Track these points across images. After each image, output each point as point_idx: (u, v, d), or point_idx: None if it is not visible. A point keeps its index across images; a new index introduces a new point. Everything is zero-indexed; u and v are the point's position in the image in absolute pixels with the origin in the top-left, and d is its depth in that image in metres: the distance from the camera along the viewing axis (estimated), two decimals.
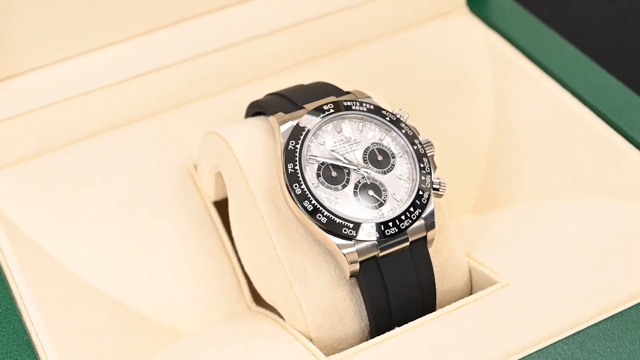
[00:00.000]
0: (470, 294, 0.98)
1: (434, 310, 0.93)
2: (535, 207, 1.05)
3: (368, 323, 0.92)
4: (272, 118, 0.94)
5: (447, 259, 0.97)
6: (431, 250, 0.95)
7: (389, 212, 0.91)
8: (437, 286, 0.95)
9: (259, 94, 1.03)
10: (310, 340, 0.91)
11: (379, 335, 0.91)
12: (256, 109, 0.99)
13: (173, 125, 1.07)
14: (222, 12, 1.13)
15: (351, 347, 0.91)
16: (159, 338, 0.97)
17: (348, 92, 0.97)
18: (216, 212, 1.03)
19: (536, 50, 1.16)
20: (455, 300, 0.96)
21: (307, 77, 1.12)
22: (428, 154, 0.95)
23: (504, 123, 1.13)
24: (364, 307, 0.92)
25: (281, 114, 0.94)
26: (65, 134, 1.04)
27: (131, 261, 0.99)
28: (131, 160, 1.04)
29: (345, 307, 0.92)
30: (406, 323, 0.91)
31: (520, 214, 1.05)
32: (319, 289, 0.91)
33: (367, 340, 0.92)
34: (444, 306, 0.93)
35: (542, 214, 1.03)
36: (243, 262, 0.99)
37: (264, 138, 0.95)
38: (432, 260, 0.95)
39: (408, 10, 1.20)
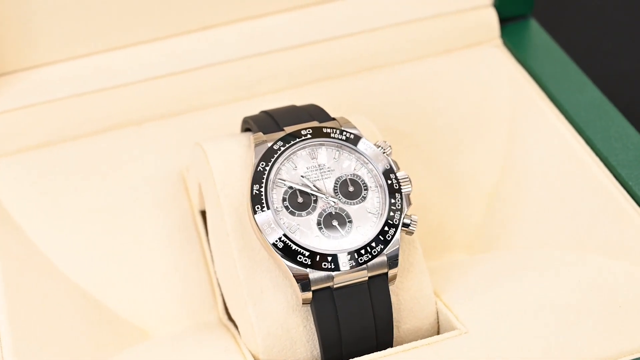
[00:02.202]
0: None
1: (391, 346, 0.93)
2: (525, 255, 1.03)
3: (319, 353, 0.92)
4: (251, 137, 0.95)
5: (414, 298, 0.96)
6: (397, 287, 0.94)
7: (349, 244, 0.91)
8: (399, 324, 0.94)
9: (270, 107, 1.04)
10: None
11: None
12: (246, 125, 1.00)
13: (179, 130, 1.10)
14: (245, 23, 1.15)
15: None
16: (126, 338, 0.99)
17: (333, 119, 0.97)
18: (202, 222, 1.05)
19: (560, 91, 1.12)
20: (418, 340, 0.95)
21: (322, 96, 1.13)
22: (403, 190, 0.94)
23: (513, 162, 1.11)
24: (317, 336, 0.92)
25: (260, 133, 0.95)
26: (73, 129, 1.07)
27: (112, 260, 1.02)
28: (131, 161, 1.07)
29: (298, 334, 0.92)
30: (358, 357, 0.91)
31: (509, 260, 1.03)
32: (274, 311, 0.92)
33: None
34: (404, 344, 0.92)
35: (530, 263, 1.01)
36: (217, 275, 1.00)
37: (244, 155, 0.96)
38: (397, 298, 0.94)
39: (439, 37, 1.18)
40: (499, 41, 1.20)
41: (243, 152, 0.96)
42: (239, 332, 0.96)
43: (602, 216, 1.01)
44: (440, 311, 0.96)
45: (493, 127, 1.13)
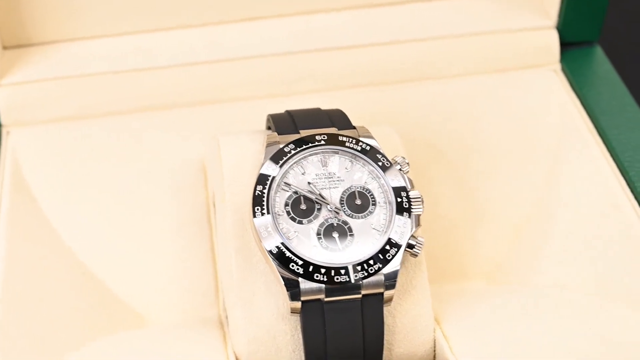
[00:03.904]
0: None
1: None
2: (544, 295, 0.98)
3: None
4: (265, 136, 0.93)
5: (411, 322, 0.92)
6: (395, 309, 0.91)
7: (346, 258, 0.88)
8: (392, 347, 0.91)
9: (310, 105, 1.02)
10: None
11: None
12: (268, 123, 0.98)
13: (209, 120, 1.08)
14: (291, 18, 1.13)
15: None
16: (122, 322, 0.99)
17: (354, 127, 0.94)
18: (215, 214, 1.03)
19: (611, 127, 1.07)
20: None
21: (359, 102, 1.11)
22: (412, 210, 0.90)
23: (547, 195, 1.05)
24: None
25: (275, 133, 0.92)
26: (103, 106, 1.07)
27: (119, 242, 1.02)
28: (156, 145, 1.06)
29: (285, 342, 0.90)
30: None
31: (525, 297, 0.97)
32: (262, 316, 0.90)
33: None
34: None
35: (546, 304, 0.95)
36: (220, 269, 0.99)
37: (258, 154, 0.94)
38: (393, 319, 0.91)
39: (494, 54, 1.13)
40: (557, 66, 1.15)
41: (257, 150, 0.94)
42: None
43: (632, 265, 0.96)
44: (437, 340, 0.92)
45: (533, 156, 1.08)
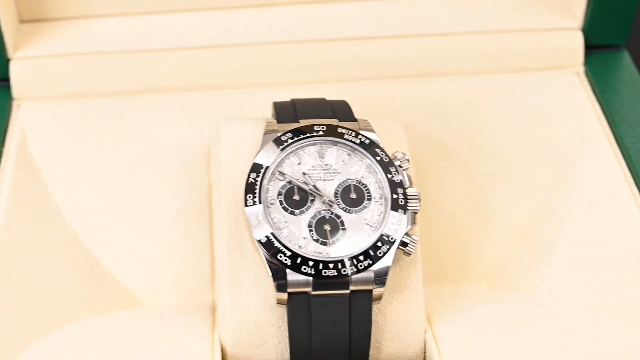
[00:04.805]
0: None
1: None
2: (543, 303, 0.95)
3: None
4: (265, 123, 0.92)
5: (402, 322, 0.90)
6: (386, 307, 0.90)
7: (336, 253, 0.86)
8: (381, 346, 0.90)
9: (321, 95, 1.00)
10: (225, 353, 0.89)
11: None
12: (273, 110, 0.97)
13: (218, 104, 1.07)
14: (306, 6, 1.12)
15: None
16: (115, 301, 0.98)
17: (355, 120, 0.92)
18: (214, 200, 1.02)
19: (629, 135, 1.03)
20: None
21: (370, 94, 1.09)
22: (408, 207, 0.88)
23: (556, 201, 1.03)
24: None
25: (274, 121, 0.91)
26: (113, 84, 1.07)
27: (119, 221, 1.01)
28: (162, 126, 1.06)
29: (271, 333, 0.89)
30: None
31: (524, 304, 0.95)
32: (250, 305, 0.89)
33: None
34: None
35: (544, 313, 0.93)
36: (215, 256, 0.98)
37: (257, 141, 0.93)
38: (383, 318, 0.90)
39: (514, 53, 1.11)
40: (580, 69, 1.11)
41: (257, 137, 0.93)
42: None
43: (638, 280, 0.93)
44: (427, 341, 0.90)
45: (546, 160, 1.05)
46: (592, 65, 1.11)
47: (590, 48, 1.12)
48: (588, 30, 1.11)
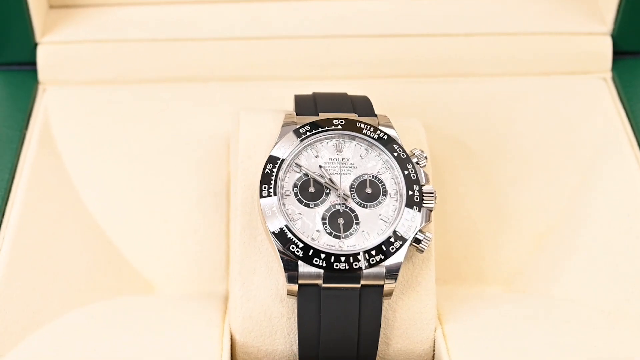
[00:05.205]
0: None
1: None
2: (557, 307, 0.94)
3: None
4: (284, 115, 0.92)
5: (412, 319, 0.90)
6: (397, 304, 0.89)
7: (348, 247, 0.86)
8: (390, 342, 0.90)
9: (350, 90, 1.00)
10: (234, 341, 0.89)
11: None
12: (294, 103, 0.97)
13: (242, 96, 1.08)
14: (333, 2, 1.11)
15: None
16: (129, 287, 0.99)
17: (375, 115, 0.92)
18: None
19: None
20: None
21: (394, 92, 1.09)
22: (424, 205, 0.88)
23: (576, 207, 1.02)
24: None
25: (294, 113, 0.92)
26: (139, 72, 1.07)
27: (137, 208, 1.02)
28: (186, 116, 1.06)
29: (281, 324, 0.89)
30: None
31: (539, 308, 0.94)
32: (260, 295, 0.89)
33: None
34: None
35: (557, 317, 0.92)
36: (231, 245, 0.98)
37: (275, 133, 0.93)
38: (393, 314, 0.90)
39: (542, 57, 1.10)
40: (608, 74, 1.10)
41: (276, 129, 0.93)
42: None
43: None
44: (436, 339, 0.89)
45: (568, 165, 1.04)
46: (620, 71, 1.10)
47: (619, 54, 1.11)
48: (617, 36, 1.10)
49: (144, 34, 1.08)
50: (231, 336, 0.89)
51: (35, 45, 1.07)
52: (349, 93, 0.97)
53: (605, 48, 1.10)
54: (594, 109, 1.07)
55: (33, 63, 1.07)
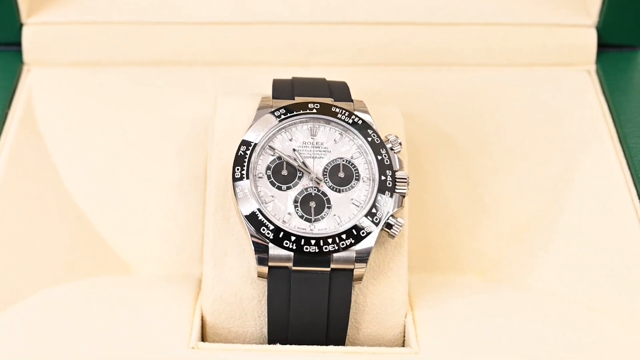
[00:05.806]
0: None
1: (343, 344, 0.88)
2: (532, 298, 0.94)
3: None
4: (260, 99, 0.92)
5: (382, 304, 0.90)
6: (367, 288, 0.90)
7: (319, 230, 0.87)
8: (360, 326, 0.90)
9: (334, 78, 1.01)
10: (205, 322, 0.90)
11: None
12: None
13: (227, 81, 1.08)
14: None
15: None
16: (106, 267, 0.99)
17: (351, 100, 0.92)
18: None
19: (635, 138, 1.02)
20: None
21: (376, 80, 1.09)
22: (396, 190, 0.88)
23: (556, 198, 1.02)
24: None
25: (269, 97, 0.92)
26: (124, 55, 1.08)
27: (116, 190, 1.02)
28: (169, 100, 1.06)
29: (252, 306, 0.90)
30: (302, 345, 0.87)
31: (513, 299, 0.94)
32: (231, 277, 0.90)
33: None
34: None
35: (531, 308, 0.92)
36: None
37: (252, 116, 0.93)
38: (364, 299, 0.90)
39: (526, 48, 1.10)
40: (592, 67, 1.10)
41: (253, 112, 0.93)
42: None
43: (631, 281, 0.92)
44: (406, 326, 0.90)
45: (548, 156, 1.04)
46: (604, 64, 1.10)
47: (604, 47, 1.11)
48: (602, 29, 1.10)
49: (130, 17, 1.09)
50: (202, 317, 0.90)
51: (20, 25, 1.08)
52: (333, 79, 0.97)
53: (590, 40, 1.10)
54: (577, 101, 1.07)
55: (18, 44, 1.08)
